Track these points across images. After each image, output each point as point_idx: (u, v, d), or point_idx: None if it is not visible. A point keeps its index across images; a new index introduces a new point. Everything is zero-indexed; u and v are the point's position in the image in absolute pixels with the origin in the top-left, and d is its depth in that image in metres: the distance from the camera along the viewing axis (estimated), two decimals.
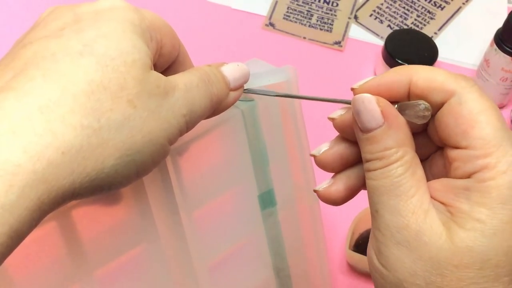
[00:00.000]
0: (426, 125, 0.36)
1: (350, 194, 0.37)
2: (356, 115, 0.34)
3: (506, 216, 0.31)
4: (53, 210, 0.28)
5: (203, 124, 0.36)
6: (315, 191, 0.38)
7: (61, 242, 0.39)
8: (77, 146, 0.28)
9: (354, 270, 0.68)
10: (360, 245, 0.67)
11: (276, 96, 0.41)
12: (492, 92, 0.82)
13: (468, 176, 0.32)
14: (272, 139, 0.47)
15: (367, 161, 0.34)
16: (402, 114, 0.34)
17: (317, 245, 0.54)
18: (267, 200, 0.48)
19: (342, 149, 0.37)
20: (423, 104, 0.33)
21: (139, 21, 0.32)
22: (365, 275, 0.68)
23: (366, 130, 0.34)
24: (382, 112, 0.33)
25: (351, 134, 0.36)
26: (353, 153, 0.37)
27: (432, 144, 0.36)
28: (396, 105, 0.34)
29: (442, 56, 0.84)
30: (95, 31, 0.30)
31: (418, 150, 0.36)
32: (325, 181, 0.38)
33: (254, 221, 0.49)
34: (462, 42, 0.91)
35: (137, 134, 0.30)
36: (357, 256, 0.65)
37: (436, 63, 0.81)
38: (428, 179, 0.35)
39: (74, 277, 0.40)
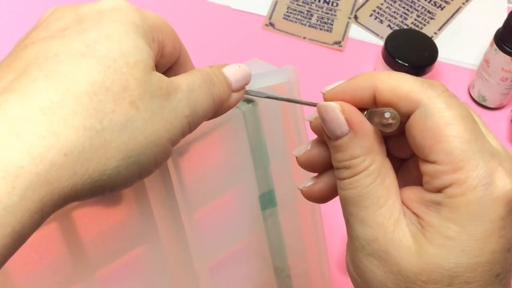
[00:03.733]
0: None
1: (334, 193, 0.36)
2: (322, 122, 0.34)
3: (476, 233, 0.30)
4: (55, 212, 0.28)
5: (204, 124, 0.36)
6: (299, 189, 0.37)
7: (62, 243, 0.39)
8: (80, 147, 0.28)
9: None
10: None
11: (266, 97, 0.41)
12: (492, 92, 0.82)
13: (438, 190, 0.31)
14: (273, 140, 0.47)
15: (336, 169, 0.33)
16: (370, 122, 0.33)
17: (317, 245, 0.54)
18: (267, 200, 0.48)
19: (322, 151, 0.36)
20: (388, 112, 0.32)
21: (141, 21, 0.32)
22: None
23: (333, 138, 0.33)
24: (347, 119, 0.33)
25: None
26: None
27: None
28: (365, 112, 0.33)
29: (442, 56, 0.84)
30: (97, 32, 0.30)
31: (400, 151, 0.35)
32: (308, 179, 0.37)
33: (254, 222, 0.49)
34: (462, 42, 0.91)
35: (139, 135, 0.30)
36: None
37: (436, 63, 0.82)
38: (410, 181, 0.34)
39: (75, 278, 0.40)
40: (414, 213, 0.32)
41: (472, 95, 0.85)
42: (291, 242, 0.52)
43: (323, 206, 0.53)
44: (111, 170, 0.29)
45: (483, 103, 0.84)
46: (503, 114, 0.85)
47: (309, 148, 0.36)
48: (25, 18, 0.85)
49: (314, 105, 0.36)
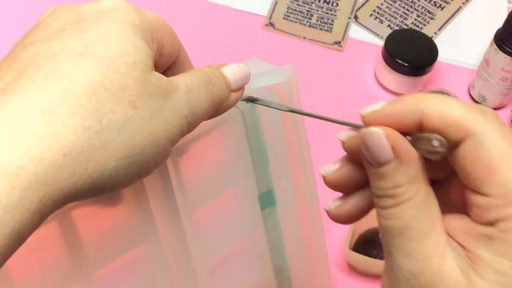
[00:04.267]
0: None
1: (362, 214, 0.35)
2: (364, 148, 0.32)
3: None
4: (54, 211, 0.28)
5: (203, 124, 0.36)
6: (325, 210, 0.35)
7: (61, 243, 0.39)
8: (79, 147, 0.28)
9: (354, 270, 0.68)
10: (360, 245, 0.68)
11: (287, 110, 0.39)
12: (492, 92, 0.82)
13: (490, 223, 0.29)
14: (272, 139, 0.47)
15: (377, 196, 0.32)
16: (415, 148, 0.31)
17: (317, 245, 0.54)
18: (267, 200, 0.48)
19: (353, 171, 0.34)
20: (436, 140, 0.30)
21: (140, 21, 0.32)
22: (365, 275, 0.68)
23: (375, 165, 0.31)
24: (392, 146, 0.31)
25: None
26: (365, 175, 0.33)
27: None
28: (408, 137, 0.32)
29: (442, 56, 0.84)
30: (96, 32, 0.30)
31: (436, 171, 0.33)
32: (335, 200, 0.35)
33: (254, 222, 0.49)
34: (462, 42, 0.91)
35: (138, 135, 0.30)
36: (357, 256, 0.65)
37: (436, 63, 0.82)
38: (445, 205, 0.33)
39: (74, 278, 0.40)
40: (461, 245, 0.30)
41: (472, 95, 0.85)
42: (291, 242, 0.52)
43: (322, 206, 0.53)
44: (110, 170, 0.29)
45: (483, 103, 0.84)
46: (503, 114, 0.85)
47: (337, 167, 0.34)
48: (24, 18, 0.85)
49: (354, 126, 0.34)
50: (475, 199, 0.30)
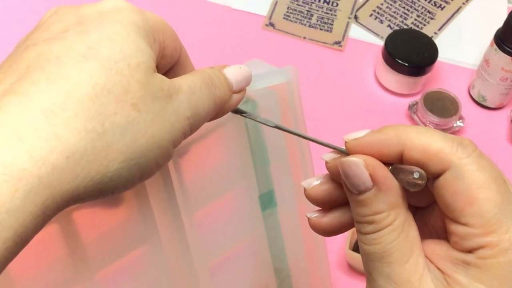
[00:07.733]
0: None
1: (342, 229, 0.36)
2: (344, 177, 0.33)
3: None
4: (56, 214, 0.28)
5: (205, 125, 0.36)
6: (307, 217, 0.36)
7: (62, 244, 0.38)
8: (82, 150, 0.28)
9: (354, 270, 0.68)
10: None
11: (273, 126, 0.39)
12: (492, 92, 0.82)
13: (468, 251, 0.30)
14: (273, 140, 0.47)
15: (358, 222, 0.33)
16: (395, 177, 0.32)
17: (317, 246, 0.54)
18: (267, 200, 0.48)
19: (334, 189, 0.35)
20: (417, 172, 0.31)
21: (142, 23, 0.32)
22: (365, 275, 0.68)
23: (355, 192, 0.32)
24: (371, 175, 0.32)
25: None
26: (345, 195, 0.34)
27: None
28: (390, 167, 0.33)
29: (442, 56, 0.85)
30: (99, 34, 0.30)
31: (417, 200, 0.34)
32: (317, 210, 0.36)
33: (254, 222, 0.49)
34: (462, 42, 0.91)
35: (141, 137, 0.30)
36: (357, 256, 0.65)
37: (436, 63, 0.82)
38: (427, 230, 0.34)
39: (75, 279, 0.40)
40: (440, 269, 0.31)
41: (472, 95, 0.85)
42: (291, 242, 0.52)
43: None
44: (112, 173, 0.29)
45: (483, 103, 0.84)
46: (503, 114, 0.85)
47: (319, 183, 0.35)
48: (26, 19, 0.85)
49: (337, 149, 0.35)
50: (455, 228, 0.31)
